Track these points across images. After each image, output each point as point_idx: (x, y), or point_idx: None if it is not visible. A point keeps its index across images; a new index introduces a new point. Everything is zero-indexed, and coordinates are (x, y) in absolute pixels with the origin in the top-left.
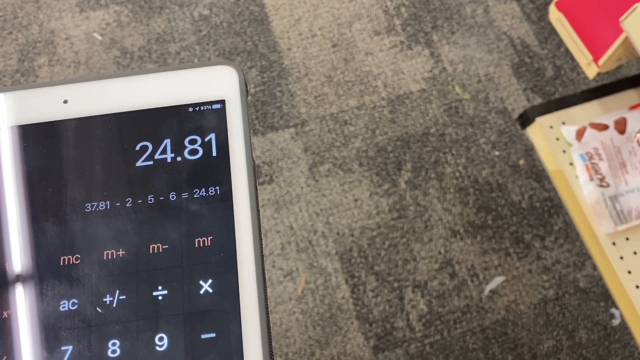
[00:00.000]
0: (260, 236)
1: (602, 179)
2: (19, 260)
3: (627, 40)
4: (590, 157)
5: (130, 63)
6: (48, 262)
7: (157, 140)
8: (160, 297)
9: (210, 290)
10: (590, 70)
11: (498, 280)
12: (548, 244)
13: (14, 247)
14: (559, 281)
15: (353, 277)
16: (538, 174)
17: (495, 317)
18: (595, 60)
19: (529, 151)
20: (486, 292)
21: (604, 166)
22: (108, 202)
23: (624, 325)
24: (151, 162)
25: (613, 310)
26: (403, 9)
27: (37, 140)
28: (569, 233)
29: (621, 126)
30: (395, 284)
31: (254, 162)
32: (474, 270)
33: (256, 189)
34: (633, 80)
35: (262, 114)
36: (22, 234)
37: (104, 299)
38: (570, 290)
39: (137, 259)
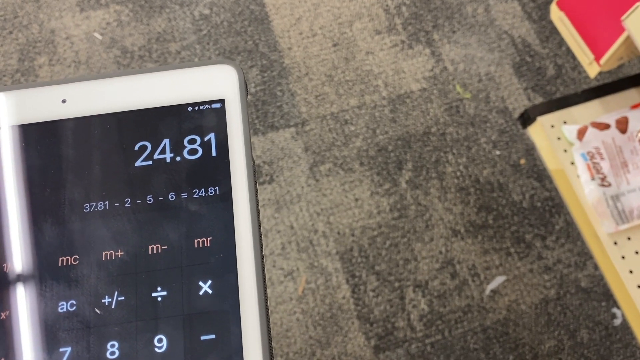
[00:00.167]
0: (260, 236)
1: (603, 179)
2: (17, 260)
3: (628, 39)
4: (592, 157)
5: (130, 62)
6: (46, 262)
7: (156, 140)
8: (159, 298)
9: (210, 291)
10: (592, 69)
11: (499, 280)
12: (549, 243)
13: (12, 248)
14: (560, 281)
15: (354, 277)
16: (539, 173)
17: (496, 316)
18: (597, 59)
19: (530, 150)
20: (487, 291)
21: (605, 165)
22: (107, 202)
23: (625, 325)
24: (150, 162)
25: (614, 310)
26: (404, 8)
27: (36, 140)
28: (570, 233)
29: (623, 125)
30: (396, 284)
31: (254, 162)
32: (475, 270)
33: (256, 189)
34: (635, 79)
35: (262, 113)
36: (20, 234)
37: (103, 300)
38: (572, 290)
39: (136, 259)
